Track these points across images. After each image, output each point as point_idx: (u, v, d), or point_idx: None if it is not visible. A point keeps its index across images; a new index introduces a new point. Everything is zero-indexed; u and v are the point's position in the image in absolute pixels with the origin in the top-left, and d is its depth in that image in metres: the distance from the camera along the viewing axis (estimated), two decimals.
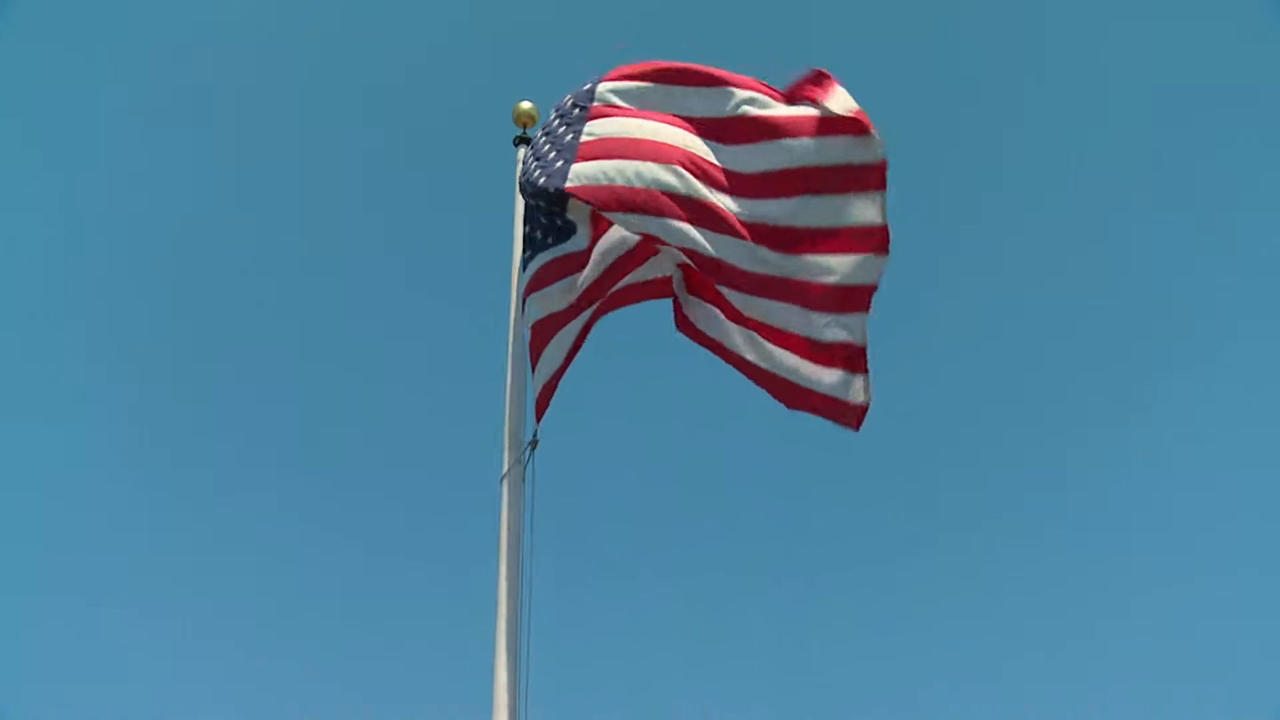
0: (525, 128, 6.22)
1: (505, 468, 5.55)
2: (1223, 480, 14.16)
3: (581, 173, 5.27)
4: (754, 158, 5.31)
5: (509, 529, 5.40)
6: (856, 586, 14.44)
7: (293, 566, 14.11)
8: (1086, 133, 16.15)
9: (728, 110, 5.41)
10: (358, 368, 15.60)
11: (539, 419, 5.61)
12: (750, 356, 5.54)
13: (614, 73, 5.69)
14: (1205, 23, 14.93)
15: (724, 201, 5.27)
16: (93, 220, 14.88)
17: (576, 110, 5.63)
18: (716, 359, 5.76)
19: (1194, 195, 15.41)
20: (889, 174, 5.15)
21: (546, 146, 5.58)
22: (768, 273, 5.25)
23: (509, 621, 5.16)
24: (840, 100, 5.18)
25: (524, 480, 5.51)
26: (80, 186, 14.81)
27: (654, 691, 12.67)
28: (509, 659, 5.08)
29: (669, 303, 5.99)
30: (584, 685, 11.90)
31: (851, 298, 5.18)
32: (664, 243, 5.32)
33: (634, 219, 5.24)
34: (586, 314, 5.72)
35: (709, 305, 5.75)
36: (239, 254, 15.72)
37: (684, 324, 5.88)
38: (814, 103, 5.22)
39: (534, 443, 5.62)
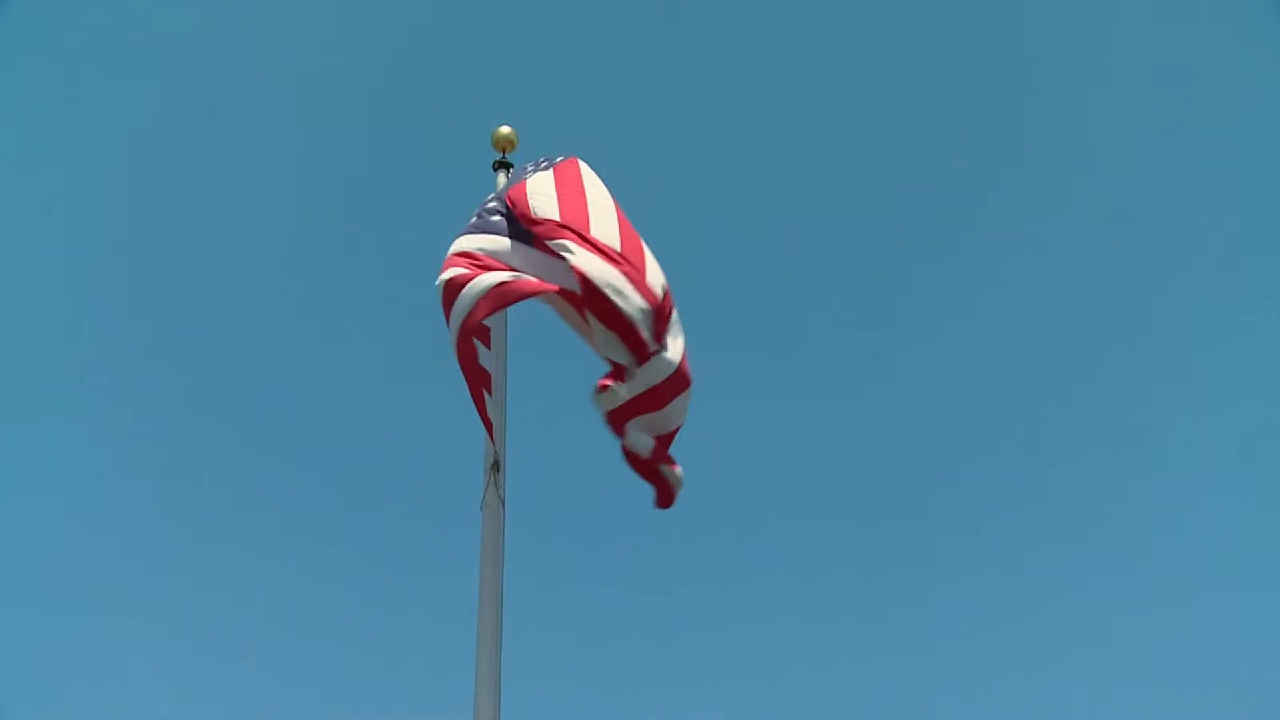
0: (505, 152, 6.26)
1: (484, 492, 5.59)
2: (1225, 482, 14.14)
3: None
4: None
5: (489, 554, 5.42)
6: (856, 591, 14.39)
7: (287, 582, 14.11)
8: (1086, 133, 16.12)
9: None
10: (348, 388, 15.59)
11: (492, 437, 5.57)
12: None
13: None
14: (1206, 23, 14.88)
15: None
16: (91, 221, 14.95)
17: None
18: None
19: (1194, 195, 15.37)
20: None
21: None
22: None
23: (488, 650, 5.14)
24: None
25: (501, 505, 5.53)
26: (77, 186, 14.89)
27: (633, 706, 12.70)
28: (491, 685, 5.09)
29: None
30: (562, 703, 11.92)
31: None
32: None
33: None
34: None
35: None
36: (222, 270, 15.72)
37: None
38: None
39: (495, 465, 5.61)
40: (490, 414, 5.55)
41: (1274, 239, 14.49)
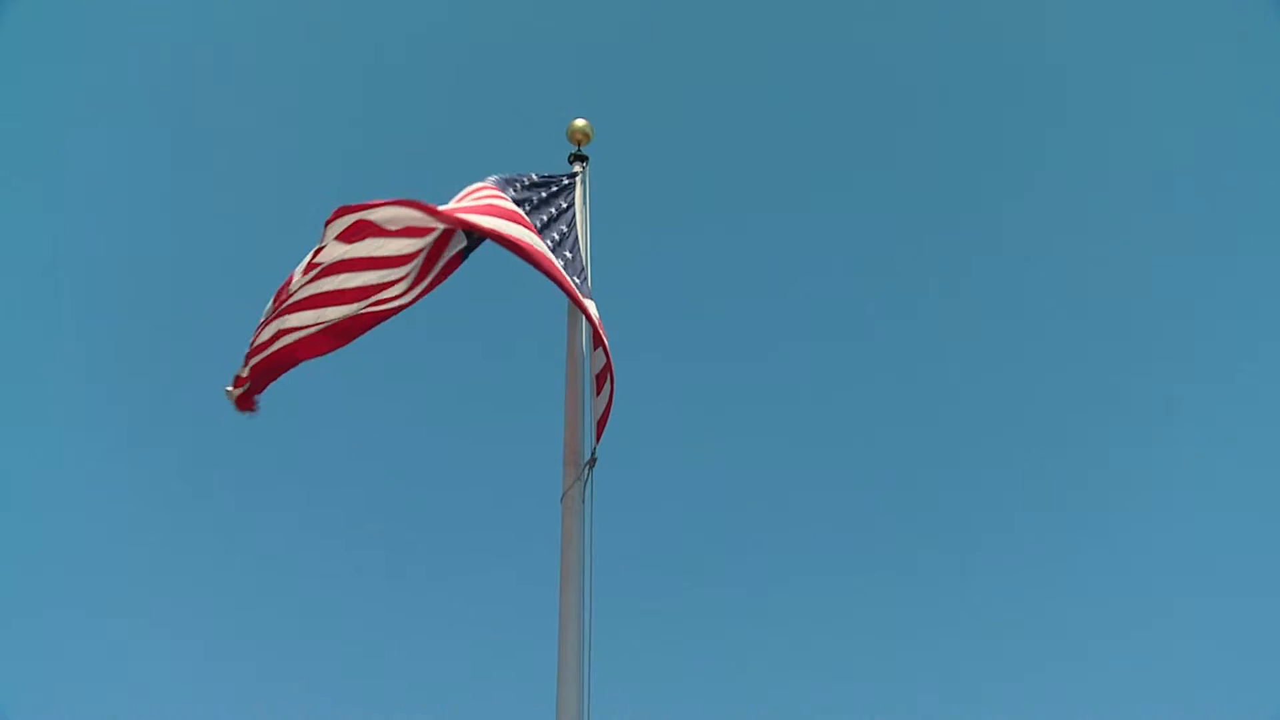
0: (580, 145, 6.22)
1: (565, 487, 5.56)
2: (1226, 486, 14.30)
3: None
4: None
5: (569, 548, 5.41)
6: (908, 595, 14.41)
7: (353, 590, 14.03)
8: (1088, 136, 16.27)
9: None
10: (418, 388, 15.44)
11: (599, 438, 5.62)
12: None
13: None
14: (1208, 23, 15.06)
15: None
16: (97, 222, 14.68)
17: None
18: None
19: (1198, 196, 15.55)
20: None
21: None
22: None
23: (572, 644, 5.15)
24: None
25: (584, 500, 5.52)
26: (83, 187, 14.63)
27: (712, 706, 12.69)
28: (574, 679, 5.08)
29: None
30: (644, 700, 11.87)
31: None
32: None
33: None
34: None
35: None
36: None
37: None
38: None
39: (592, 461, 5.63)
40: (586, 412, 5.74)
41: (1273, 242, 14.71)
